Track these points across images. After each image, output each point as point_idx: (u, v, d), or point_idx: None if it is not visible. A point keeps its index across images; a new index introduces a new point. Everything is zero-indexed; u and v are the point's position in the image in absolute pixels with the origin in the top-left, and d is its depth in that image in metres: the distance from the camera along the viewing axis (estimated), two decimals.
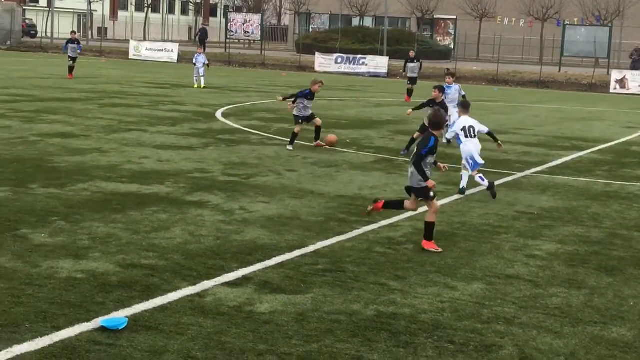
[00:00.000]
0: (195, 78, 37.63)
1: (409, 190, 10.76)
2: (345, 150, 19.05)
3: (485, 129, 14.66)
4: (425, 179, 10.37)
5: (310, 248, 10.16)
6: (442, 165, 11.20)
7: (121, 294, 8.00)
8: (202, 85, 36.99)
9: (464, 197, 14.10)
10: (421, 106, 18.65)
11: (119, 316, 7.32)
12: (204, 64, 37.51)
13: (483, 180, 14.13)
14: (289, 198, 13.16)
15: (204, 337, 7.05)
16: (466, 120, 14.45)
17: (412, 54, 37.45)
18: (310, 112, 19.15)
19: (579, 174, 17.22)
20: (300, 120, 19.03)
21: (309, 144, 19.67)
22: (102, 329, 7.05)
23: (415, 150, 10.57)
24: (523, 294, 8.77)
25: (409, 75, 36.11)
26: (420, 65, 36.86)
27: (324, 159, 17.50)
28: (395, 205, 11.21)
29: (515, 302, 8.45)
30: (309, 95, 18.98)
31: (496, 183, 15.53)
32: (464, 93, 20.96)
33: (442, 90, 18.49)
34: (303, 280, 8.81)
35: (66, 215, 11.14)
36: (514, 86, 53.16)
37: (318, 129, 19.20)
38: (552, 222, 12.44)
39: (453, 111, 19.92)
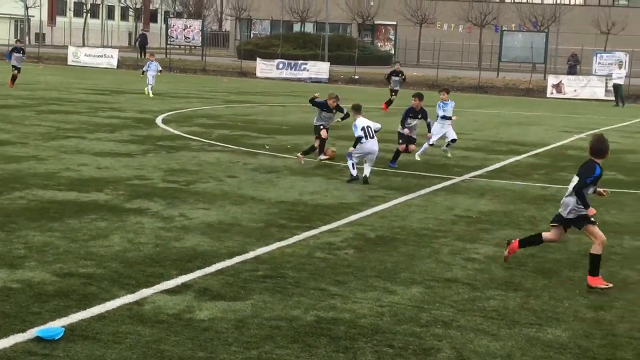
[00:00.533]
0: (150, 86, 36.29)
1: (560, 220, 9.78)
2: (286, 155, 19.06)
3: (379, 125, 16.47)
4: (586, 206, 9.47)
5: (251, 254, 10.15)
6: (602, 190, 10.02)
7: (58, 303, 7.91)
8: (151, 93, 35.85)
9: (403, 201, 14.21)
10: (403, 120, 18.31)
11: (55, 326, 7.23)
12: (157, 71, 36.77)
13: (354, 169, 15.74)
14: (229, 204, 13.13)
15: (142, 345, 7.00)
16: (363, 121, 16.09)
17: (397, 66, 37.24)
18: (328, 125, 18.55)
19: (516, 178, 17.45)
20: (321, 127, 18.41)
21: (249, 149, 19.65)
22: (38, 340, 6.96)
23: (578, 178, 9.56)
24: (461, 297, 8.87)
25: (393, 87, 35.91)
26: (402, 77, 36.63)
27: (264, 165, 17.49)
28: (534, 241, 10.19)
29: (453, 305, 8.54)
30: (323, 105, 18.53)
31: (436, 187, 15.72)
32: (451, 114, 20.04)
33: (421, 98, 18.39)
34: (243, 286, 8.80)
35: (1, 224, 10.97)
36: (454, 91, 53.43)
37: (313, 148, 18.48)
38: (490, 225, 12.60)
39: (449, 127, 19.67)
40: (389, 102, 35.32)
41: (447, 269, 9.97)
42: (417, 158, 19.26)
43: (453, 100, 20.30)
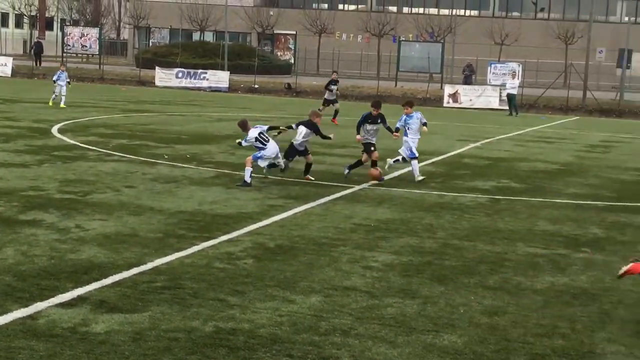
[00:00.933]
0: (54, 96, 35.17)
1: None
2: (186, 165, 18.92)
3: (266, 127, 17.36)
4: None
5: (149, 265, 10.04)
6: None
7: None
8: (63, 104, 34.70)
9: (303, 210, 14.26)
10: (359, 126, 18.09)
11: None
12: (67, 82, 35.88)
13: (249, 177, 16.41)
14: (127, 215, 12.97)
15: None
16: (255, 131, 16.93)
17: (334, 76, 36.19)
18: (305, 146, 17.70)
19: (414, 186, 17.69)
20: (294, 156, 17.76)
21: (148, 159, 19.44)
22: None
23: None
24: (359, 305, 8.95)
25: (328, 97, 34.98)
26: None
27: (163, 175, 17.32)
28: None
29: (352, 314, 8.61)
30: (310, 125, 17.77)
31: (335, 196, 15.82)
32: (425, 121, 19.13)
33: (379, 106, 18.24)
34: (141, 298, 8.69)
35: None
36: (353, 100, 54.08)
37: (309, 166, 17.79)
38: (388, 233, 12.74)
39: (416, 141, 18.83)
40: (335, 114, 34.32)
41: (346, 277, 10.05)
42: (418, 178, 18.25)
43: (419, 112, 19.25)
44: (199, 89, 56.59)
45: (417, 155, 18.68)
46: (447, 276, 10.36)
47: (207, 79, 57.74)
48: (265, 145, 16.82)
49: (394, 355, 7.48)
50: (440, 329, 8.28)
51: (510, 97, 47.29)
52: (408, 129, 18.89)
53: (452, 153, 25.07)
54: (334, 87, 35.38)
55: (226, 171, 18.37)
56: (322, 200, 15.34)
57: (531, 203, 16.40)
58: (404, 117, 18.91)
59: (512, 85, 47.57)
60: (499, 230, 13.45)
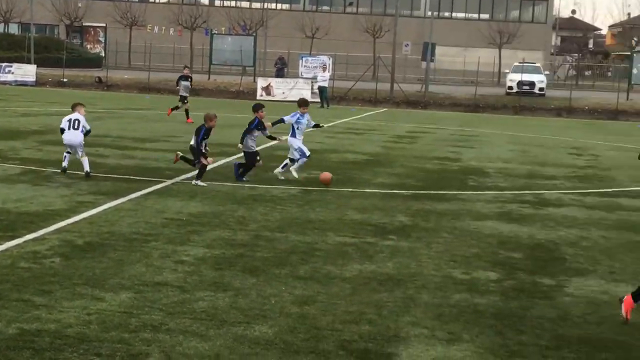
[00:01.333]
0: None
1: None
2: None
3: (88, 127, 17.22)
4: None
5: None
6: None
7: None
8: None
9: (113, 206, 14.00)
10: (248, 133, 17.79)
11: None
12: None
13: (64, 161, 16.85)
14: None
15: None
16: (72, 115, 17.02)
17: (187, 71, 34.75)
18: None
19: (225, 179, 17.71)
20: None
21: None
22: None
23: None
24: (171, 300, 8.89)
25: (182, 93, 33.37)
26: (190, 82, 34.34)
27: None
28: None
29: (163, 309, 8.55)
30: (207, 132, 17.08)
31: (147, 191, 15.63)
32: (313, 123, 19.14)
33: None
34: None
35: None
36: (166, 94, 53.56)
37: (204, 167, 17.01)
38: (200, 227, 12.71)
39: (299, 141, 18.41)
40: (175, 108, 33.01)
41: (158, 272, 9.96)
42: (296, 175, 18.05)
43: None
44: (3, 83, 54.47)
45: (309, 154, 18.53)
46: (259, 268, 10.45)
47: (13, 73, 55.72)
48: (67, 131, 16.86)
49: (205, 349, 7.49)
50: (251, 320, 8.35)
51: (322, 90, 48.15)
52: (297, 128, 18.52)
53: (265, 146, 25.20)
54: (185, 83, 33.76)
55: (32, 168, 17.79)
56: (133, 196, 15.12)
57: (341, 193, 16.77)
58: (298, 115, 18.49)
59: (323, 78, 48.46)
60: (310, 221, 13.68)
